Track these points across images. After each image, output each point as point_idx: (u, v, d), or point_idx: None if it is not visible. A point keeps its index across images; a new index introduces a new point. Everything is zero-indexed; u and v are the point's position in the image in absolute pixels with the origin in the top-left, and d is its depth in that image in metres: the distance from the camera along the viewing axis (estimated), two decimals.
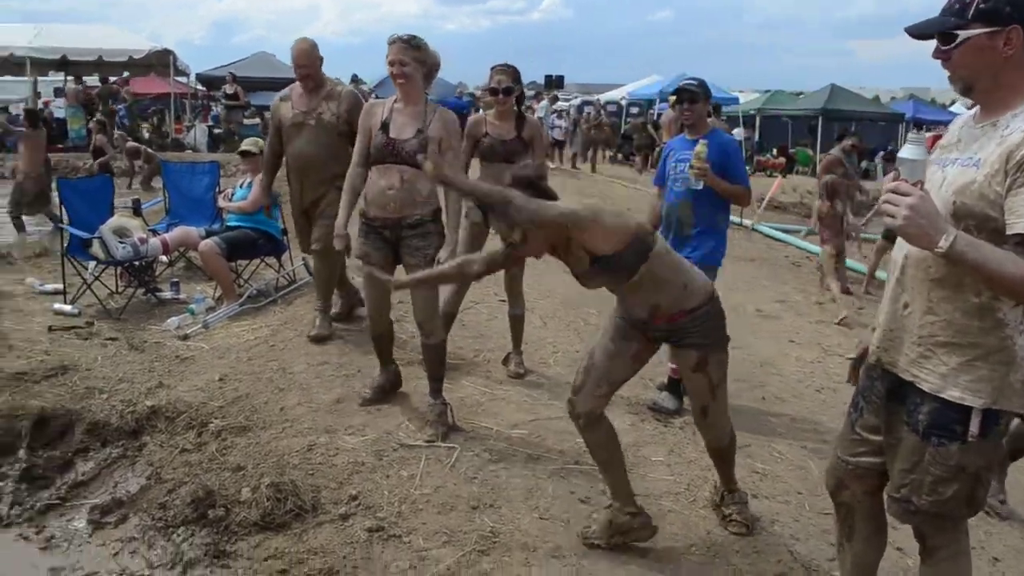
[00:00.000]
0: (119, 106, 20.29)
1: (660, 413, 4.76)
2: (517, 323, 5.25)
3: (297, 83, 5.36)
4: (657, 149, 18.29)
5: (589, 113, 21.77)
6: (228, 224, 6.37)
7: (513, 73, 4.87)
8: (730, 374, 4.42)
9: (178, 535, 3.62)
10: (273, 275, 6.72)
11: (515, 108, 4.95)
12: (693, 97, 4.70)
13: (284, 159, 5.55)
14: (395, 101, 4.29)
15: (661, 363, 5.33)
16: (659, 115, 21.27)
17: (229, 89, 20.72)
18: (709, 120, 4.91)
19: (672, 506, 3.76)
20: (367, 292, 4.58)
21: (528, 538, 3.42)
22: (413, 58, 4.13)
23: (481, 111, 6.46)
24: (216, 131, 20.64)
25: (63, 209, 6.47)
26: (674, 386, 4.82)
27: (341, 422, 4.32)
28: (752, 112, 25.42)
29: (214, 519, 3.58)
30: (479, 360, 5.44)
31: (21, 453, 4.39)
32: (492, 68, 4.88)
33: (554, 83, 26.64)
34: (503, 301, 6.66)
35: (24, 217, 10.24)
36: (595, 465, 3.49)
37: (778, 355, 6.15)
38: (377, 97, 14.53)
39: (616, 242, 2.98)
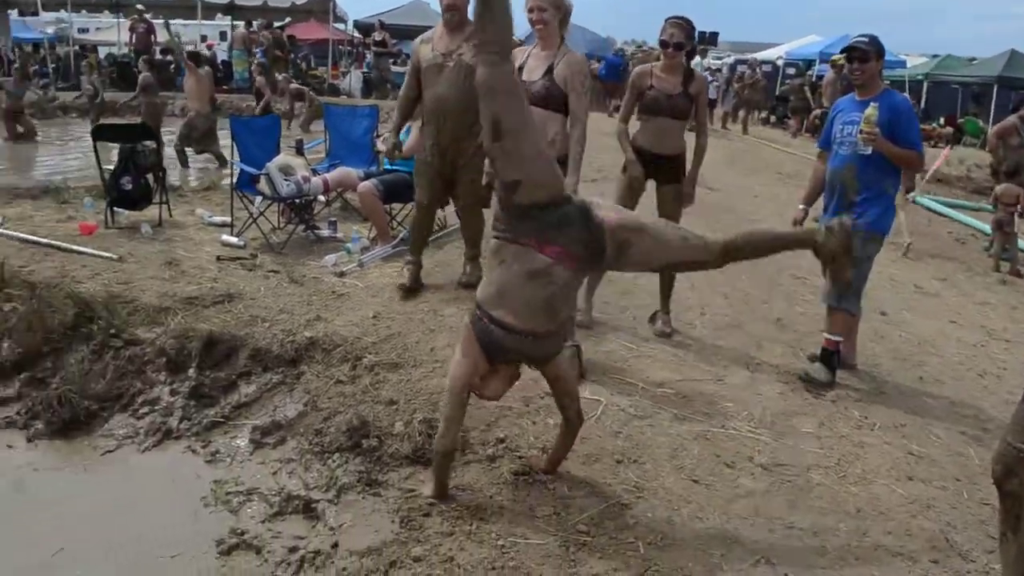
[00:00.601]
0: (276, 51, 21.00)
1: (811, 385, 4.60)
2: (667, 282, 5.18)
3: (439, 25, 5.22)
4: (814, 113, 17.52)
5: (744, 72, 21.02)
6: (385, 167, 6.53)
7: (687, 28, 4.74)
8: (886, 351, 4.22)
9: (333, 460, 3.81)
10: None
11: (684, 63, 4.82)
12: (864, 55, 4.43)
13: (422, 106, 5.37)
14: (533, 46, 4.45)
15: (813, 333, 5.18)
16: (818, 77, 20.36)
17: (377, 36, 21.14)
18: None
19: (821, 479, 3.65)
20: None
21: (672, 496, 3.40)
22: (550, 3, 4.24)
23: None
24: (369, 77, 21.14)
25: (234, 145, 6.79)
26: (827, 357, 4.65)
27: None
28: (920, 77, 23.89)
29: (367, 448, 3.74)
30: (624, 317, 5.41)
31: (191, 372, 4.70)
32: (666, 19, 4.77)
33: (707, 40, 25.83)
34: None
35: (189, 152, 10.85)
36: (744, 431, 3.43)
37: (938, 335, 5.83)
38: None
39: None
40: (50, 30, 24.17)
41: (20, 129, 13.51)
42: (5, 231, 6.48)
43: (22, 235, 6.37)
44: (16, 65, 16.22)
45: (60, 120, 16.52)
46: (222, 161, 10.70)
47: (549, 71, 4.31)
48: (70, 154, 12.88)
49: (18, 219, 6.97)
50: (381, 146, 6.46)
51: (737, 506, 3.39)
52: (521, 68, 4.37)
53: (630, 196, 5.00)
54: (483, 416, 3.88)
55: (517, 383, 4.11)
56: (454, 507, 3.26)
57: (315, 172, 6.78)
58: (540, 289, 2.93)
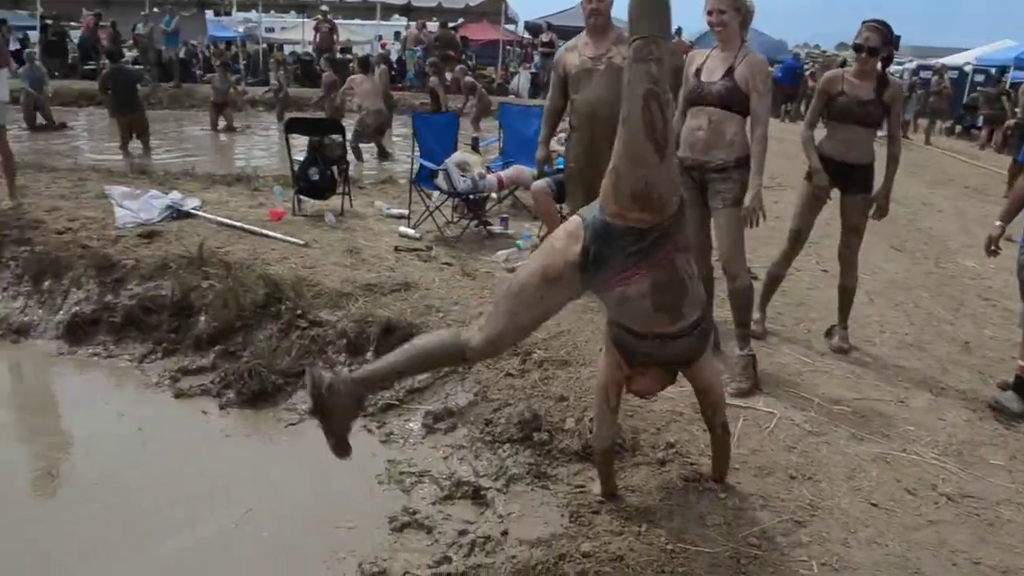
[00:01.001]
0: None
1: (1002, 414, 4.32)
2: (847, 295, 4.99)
3: (583, 32, 5.18)
4: (1007, 123, 16.38)
5: (930, 79, 19.90)
6: (558, 167, 6.60)
7: (884, 33, 4.55)
8: None
9: (503, 450, 3.90)
10: None
11: (878, 69, 4.64)
12: None
13: (569, 110, 5.31)
14: (713, 48, 4.39)
15: (1004, 359, 4.87)
16: (1012, 85, 19.01)
17: (545, 37, 21.35)
18: None
19: (1012, 516, 3.43)
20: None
21: (848, 519, 3.29)
22: (730, 6, 4.18)
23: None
24: (538, 78, 21.39)
25: (415, 141, 7.05)
26: (1020, 385, 4.35)
27: None
28: None
29: (538, 442, 3.80)
30: (799, 329, 5.25)
31: (369, 355, 4.92)
32: (863, 23, 4.60)
33: None
34: (825, 271, 6.38)
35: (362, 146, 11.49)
36: (928, 457, 3.26)
37: None
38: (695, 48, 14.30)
39: None
40: (240, 29, 25.82)
41: (222, 122, 14.55)
42: (204, 214, 7.00)
43: (219, 218, 6.86)
44: (218, 63, 17.44)
45: (249, 113, 17.60)
46: (383, 155, 11.59)
47: (729, 72, 4.24)
48: (257, 146, 13.77)
49: (216, 203, 7.51)
50: (556, 146, 6.53)
51: (919, 535, 3.23)
52: (699, 70, 4.34)
53: (813, 205, 4.85)
54: (654, 419, 3.88)
55: (688, 389, 4.10)
56: (623, 507, 3.28)
57: (489, 169, 6.94)
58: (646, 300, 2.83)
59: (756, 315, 4.90)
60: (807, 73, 20.72)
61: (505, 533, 3.30)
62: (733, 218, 4.28)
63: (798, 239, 5.00)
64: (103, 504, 3.81)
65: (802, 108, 19.37)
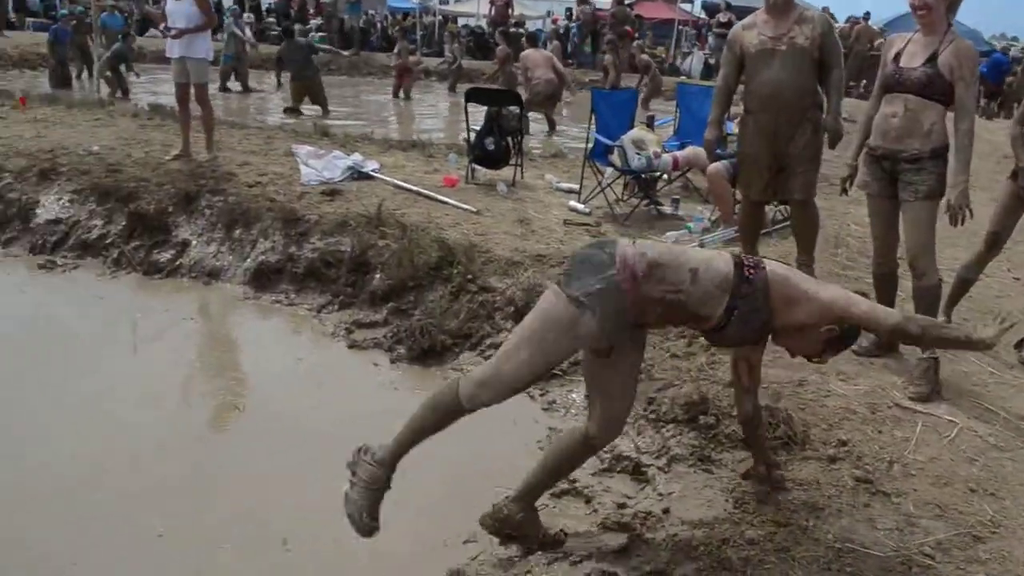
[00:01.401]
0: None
1: None
2: None
3: (760, 11, 4.93)
4: None
5: None
6: (735, 150, 6.46)
7: None
8: None
9: (667, 430, 3.89)
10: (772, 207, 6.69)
11: None
12: None
13: (744, 92, 5.11)
14: (915, 32, 4.16)
15: None
16: None
17: (723, 17, 20.76)
18: None
19: None
20: (872, 220, 4.39)
21: None
22: None
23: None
24: (711, 61, 20.93)
25: (593, 116, 7.07)
26: None
27: (833, 366, 4.21)
28: None
29: (704, 425, 3.77)
30: None
31: None
32: None
33: None
34: (1017, 279, 5.98)
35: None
36: None
37: None
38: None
39: None
40: (417, 1, 26.51)
41: (402, 92, 15.14)
42: (383, 176, 7.28)
43: (397, 181, 7.13)
44: (397, 29, 18.07)
45: (423, 83, 18.11)
46: (552, 128, 11.88)
47: (932, 58, 4.01)
48: (429, 115, 14.20)
49: (392, 167, 7.81)
50: (735, 127, 6.39)
51: None
52: (899, 55, 4.13)
53: (1015, 208, 4.55)
54: (826, 415, 3.77)
55: (864, 387, 3.97)
56: (791, 500, 3.21)
57: (664, 149, 6.88)
58: None
59: (940, 318, 4.65)
60: (1020, 68, 19.16)
61: (666, 511, 3.30)
62: (925, 212, 4.07)
63: (996, 242, 4.70)
64: (284, 437, 4.09)
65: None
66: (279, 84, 15.14)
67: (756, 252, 5.36)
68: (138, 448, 3.97)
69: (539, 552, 3.16)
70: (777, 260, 2.98)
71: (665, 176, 7.17)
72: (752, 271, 2.73)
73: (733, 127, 6.27)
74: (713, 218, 6.53)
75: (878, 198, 4.29)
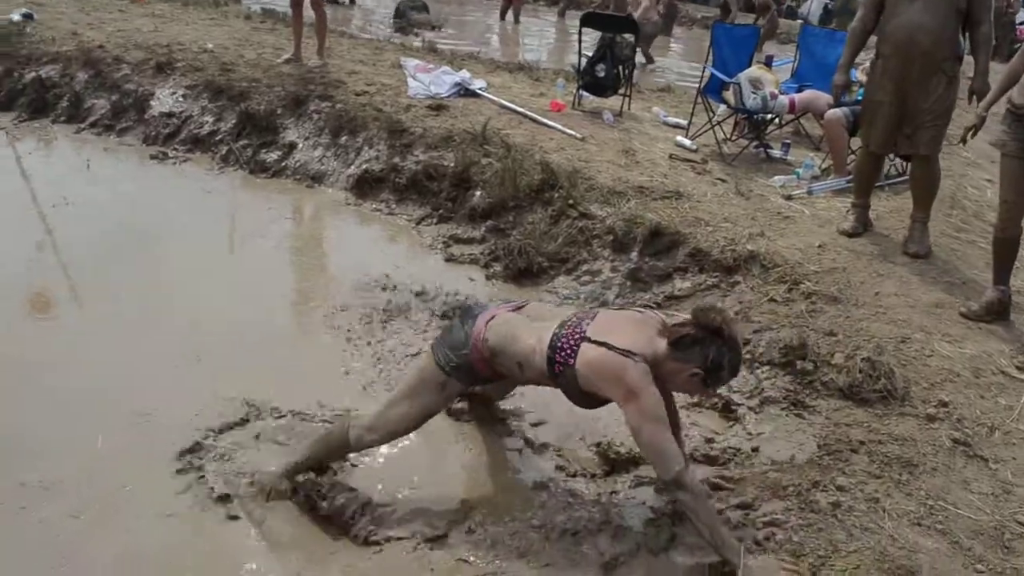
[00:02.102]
0: None
1: None
2: None
3: None
4: None
5: None
6: (858, 98, 6.22)
7: None
8: None
9: (761, 372, 3.87)
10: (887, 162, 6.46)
11: None
12: None
13: (878, 36, 4.88)
14: None
15: None
16: None
17: None
18: None
19: None
20: (1004, 181, 4.18)
21: None
22: None
23: None
24: (830, 6, 20.00)
25: (711, 51, 6.88)
26: None
27: (938, 327, 4.12)
28: None
29: (800, 370, 3.74)
30: None
31: (633, 255, 4.99)
32: None
33: None
34: None
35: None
36: None
37: None
38: None
39: None
40: None
41: (510, 14, 14.97)
42: (489, 95, 7.27)
43: (503, 101, 7.10)
44: None
45: (530, 7, 17.84)
46: (649, 60, 11.74)
47: None
48: (534, 38, 14.06)
49: (499, 87, 7.77)
50: (861, 76, 6.15)
51: None
52: None
53: None
54: (928, 374, 3.68)
55: (969, 351, 3.86)
56: (884, 453, 3.17)
57: (781, 91, 6.66)
58: None
59: None
60: None
61: (756, 450, 3.31)
62: None
63: None
64: (385, 335, 4.23)
65: None
66: None
67: (868, 205, 5.22)
68: (231, 343, 4.14)
69: (625, 474, 3.22)
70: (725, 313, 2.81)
71: (777, 119, 6.96)
72: (560, 367, 2.74)
73: (858, 74, 6.03)
74: (824, 166, 6.34)
75: (1016, 159, 4.08)
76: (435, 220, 5.75)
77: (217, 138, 6.86)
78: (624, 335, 2.68)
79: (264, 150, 6.67)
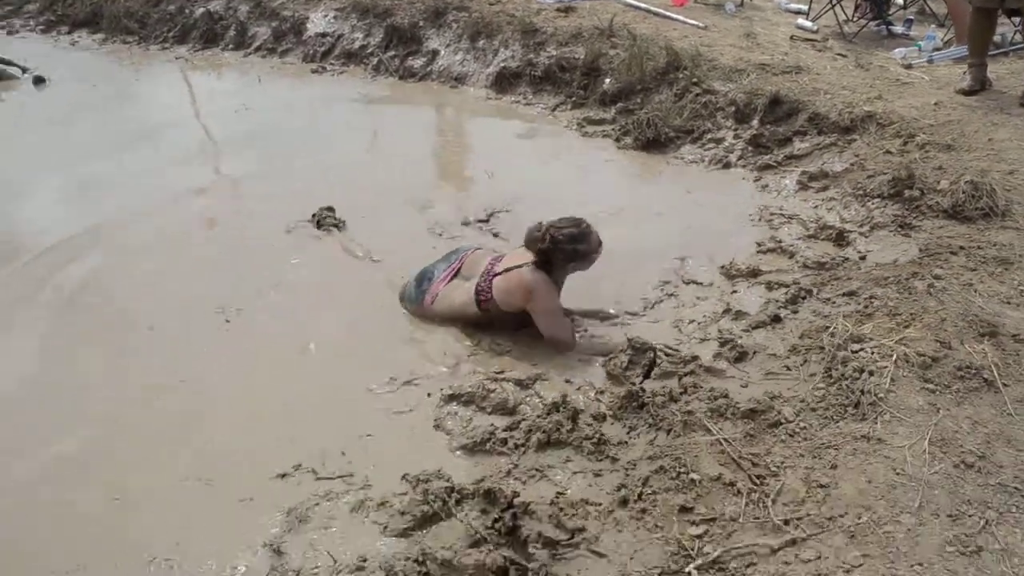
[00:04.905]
0: None
1: None
2: None
3: None
4: None
5: None
6: None
7: None
8: None
9: (872, 203, 4.29)
10: (1012, 28, 6.55)
11: None
12: None
13: None
14: None
15: None
16: None
17: None
18: None
19: None
20: None
21: None
22: None
23: None
24: None
25: None
26: None
27: None
28: None
29: (908, 198, 4.14)
30: None
31: (754, 123, 5.42)
32: None
33: None
34: None
35: None
36: None
37: None
38: None
39: None
40: None
41: None
42: None
43: (627, 0, 7.55)
44: None
45: None
46: None
47: None
48: None
49: None
50: None
51: None
52: None
53: None
54: None
55: None
56: (982, 253, 3.56)
57: None
58: None
59: None
60: None
61: (863, 257, 3.77)
62: None
63: None
64: (523, 198, 4.86)
65: None
66: None
67: (985, 64, 5.43)
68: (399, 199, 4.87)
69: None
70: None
71: (899, 0, 7.11)
72: (487, 304, 3.50)
73: None
74: (947, 38, 6.50)
75: None
76: (569, 106, 6.33)
77: (368, 51, 7.63)
78: (520, 258, 3.48)
79: (411, 58, 7.38)
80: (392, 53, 7.48)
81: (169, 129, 6.25)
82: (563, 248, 3.40)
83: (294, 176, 5.26)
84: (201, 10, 8.67)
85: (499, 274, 3.50)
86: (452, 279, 3.70)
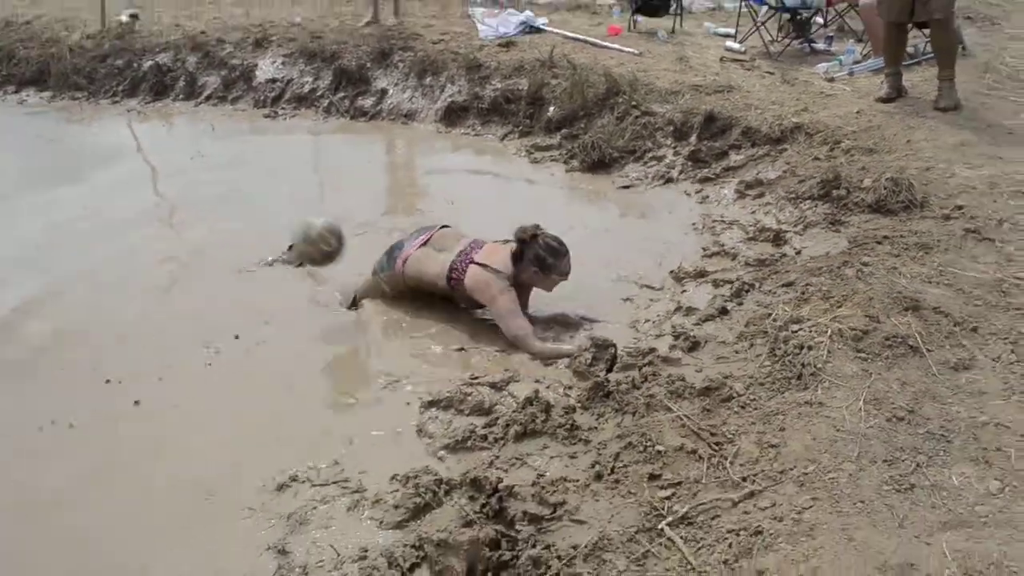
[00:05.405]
0: None
1: None
2: None
3: None
4: None
5: None
6: None
7: None
8: None
9: (804, 205, 4.67)
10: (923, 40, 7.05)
11: None
12: None
13: None
14: None
15: None
16: None
17: None
18: None
19: None
20: None
21: None
22: None
23: None
24: None
25: None
26: None
27: (961, 158, 4.80)
28: None
29: (836, 197, 4.52)
30: None
31: (691, 140, 5.82)
32: None
33: None
34: None
35: None
36: None
37: None
38: None
39: None
40: None
41: None
42: (552, 29, 8.12)
43: (566, 33, 7.96)
44: None
45: None
46: None
47: None
48: None
49: (560, 22, 8.63)
50: None
51: None
52: None
53: None
54: (947, 189, 4.39)
55: (987, 172, 4.55)
56: (904, 240, 3.92)
57: None
58: None
59: None
60: None
61: (799, 252, 4.13)
62: None
63: None
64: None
65: None
66: None
67: (900, 72, 5.89)
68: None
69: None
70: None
71: (819, 21, 7.61)
72: (456, 283, 3.88)
73: None
74: (865, 52, 6.99)
75: None
76: (517, 135, 6.69)
77: (318, 94, 7.92)
78: (498, 259, 3.83)
79: (360, 98, 7.69)
80: (342, 94, 7.77)
81: (123, 176, 6.41)
82: (537, 252, 3.79)
83: (255, 216, 5.46)
84: (149, 63, 8.87)
85: (477, 263, 3.82)
86: (422, 247, 4.01)
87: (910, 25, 5.85)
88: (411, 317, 4.05)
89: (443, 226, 4.18)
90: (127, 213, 5.57)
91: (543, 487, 2.63)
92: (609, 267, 4.44)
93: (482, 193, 5.74)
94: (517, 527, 2.50)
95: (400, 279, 4.02)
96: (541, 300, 4.02)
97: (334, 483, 2.97)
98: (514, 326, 3.76)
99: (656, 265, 4.43)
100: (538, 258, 3.79)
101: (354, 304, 4.24)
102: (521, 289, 3.90)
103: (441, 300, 4.05)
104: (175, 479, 3.03)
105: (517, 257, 3.81)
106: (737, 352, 3.20)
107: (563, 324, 3.98)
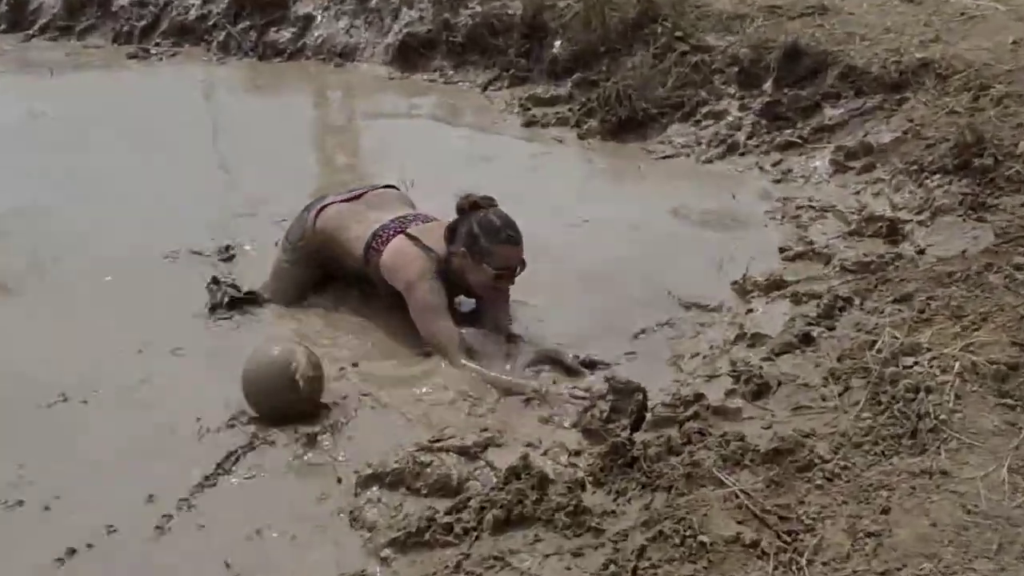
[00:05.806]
0: None
1: None
2: None
3: None
4: None
5: None
6: None
7: None
8: None
9: (931, 182, 4.74)
10: None
11: None
12: None
13: None
14: None
15: None
16: None
17: None
18: None
19: None
20: None
21: None
22: None
23: None
24: None
25: None
26: None
27: None
28: None
29: (978, 169, 4.59)
30: None
31: (766, 87, 5.90)
32: None
33: None
34: None
35: None
36: None
37: None
38: None
39: None
40: None
41: None
42: None
43: None
44: None
45: None
46: None
47: None
48: None
49: None
50: None
51: None
52: None
53: None
54: None
55: None
56: None
57: None
58: None
59: None
60: None
61: (921, 252, 4.20)
62: None
63: None
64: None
65: None
66: None
67: None
68: None
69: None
70: None
71: None
72: (373, 254, 4.00)
73: None
74: None
75: None
76: (506, 82, 6.80)
77: (210, 23, 8.02)
78: (434, 237, 3.98)
79: (273, 29, 7.79)
80: (245, 24, 7.87)
81: None
82: (470, 227, 3.88)
83: (113, 209, 5.44)
84: None
85: (407, 234, 3.97)
86: (351, 202, 4.18)
87: None
88: (336, 331, 4.14)
89: (388, 185, 4.31)
90: None
91: None
92: (642, 277, 4.51)
93: (455, 171, 5.74)
94: None
95: (309, 237, 4.14)
96: (547, 323, 4.09)
97: None
98: (433, 327, 3.90)
99: (711, 274, 4.50)
100: (469, 235, 3.89)
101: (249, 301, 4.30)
102: (457, 281, 4.02)
103: (360, 285, 4.20)
104: None
105: (450, 233, 3.94)
106: (824, 399, 3.25)
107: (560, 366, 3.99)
